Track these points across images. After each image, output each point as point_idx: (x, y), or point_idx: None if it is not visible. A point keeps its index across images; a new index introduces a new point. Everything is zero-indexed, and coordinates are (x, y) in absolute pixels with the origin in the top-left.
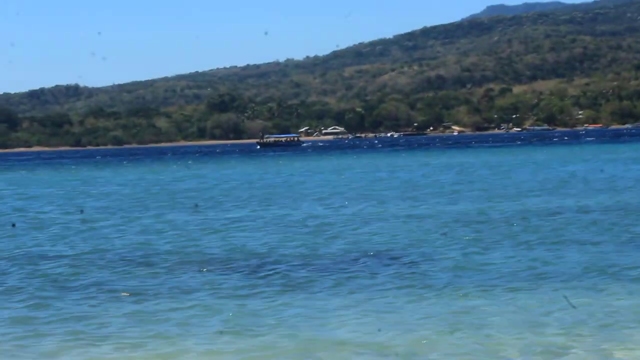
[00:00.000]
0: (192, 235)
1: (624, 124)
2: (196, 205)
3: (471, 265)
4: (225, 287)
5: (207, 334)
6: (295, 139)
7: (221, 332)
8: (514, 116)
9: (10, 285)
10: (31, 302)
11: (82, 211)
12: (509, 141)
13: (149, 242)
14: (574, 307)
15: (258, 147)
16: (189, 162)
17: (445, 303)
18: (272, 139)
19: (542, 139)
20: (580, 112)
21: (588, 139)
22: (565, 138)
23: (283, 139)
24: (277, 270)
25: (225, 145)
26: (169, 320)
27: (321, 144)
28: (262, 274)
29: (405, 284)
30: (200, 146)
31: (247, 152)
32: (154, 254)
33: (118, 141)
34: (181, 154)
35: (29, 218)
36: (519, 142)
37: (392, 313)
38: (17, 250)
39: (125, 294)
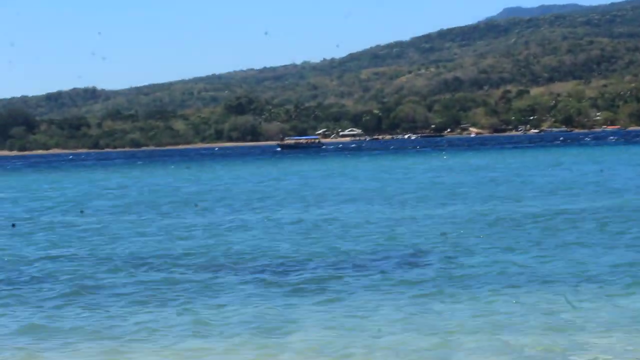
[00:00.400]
0: (181, 236)
1: None
2: (196, 205)
3: (454, 268)
4: (212, 287)
5: (175, 335)
6: (317, 140)
7: (192, 334)
8: (531, 118)
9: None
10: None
11: (82, 211)
12: (533, 142)
13: (136, 245)
14: (573, 307)
15: (279, 149)
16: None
17: (420, 306)
18: (292, 141)
19: (572, 140)
20: (598, 114)
21: (611, 138)
22: (587, 139)
23: (303, 141)
24: (263, 272)
25: (248, 147)
26: (134, 324)
27: (341, 146)
28: (249, 275)
29: (383, 287)
30: (224, 148)
31: (268, 153)
32: (146, 256)
33: (135, 144)
34: (209, 155)
35: (26, 219)
36: (547, 143)
37: (357, 318)
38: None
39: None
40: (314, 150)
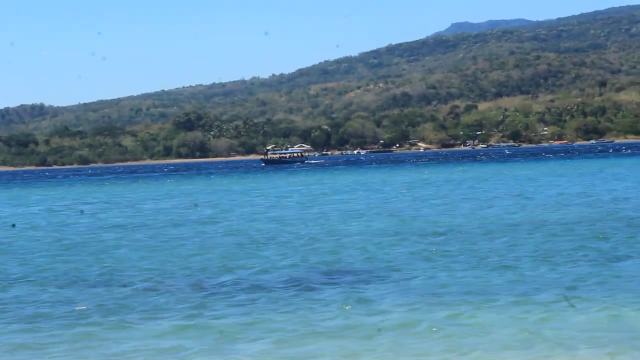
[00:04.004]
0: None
1: (588, 140)
2: (195, 205)
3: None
4: (166, 304)
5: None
6: (300, 154)
7: None
8: (479, 133)
9: None
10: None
11: (82, 211)
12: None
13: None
14: (572, 306)
15: (263, 164)
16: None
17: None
18: (276, 156)
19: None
20: (545, 129)
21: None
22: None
23: (287, 156)
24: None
25: (232, 161)
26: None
27: (322, 161)
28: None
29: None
30: (204, 163)
31: (255, 168)
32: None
33: (84, 160)
34: (200, 171)
35: None
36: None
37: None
38: None
39: (79, 307)
40: (298, 164)
